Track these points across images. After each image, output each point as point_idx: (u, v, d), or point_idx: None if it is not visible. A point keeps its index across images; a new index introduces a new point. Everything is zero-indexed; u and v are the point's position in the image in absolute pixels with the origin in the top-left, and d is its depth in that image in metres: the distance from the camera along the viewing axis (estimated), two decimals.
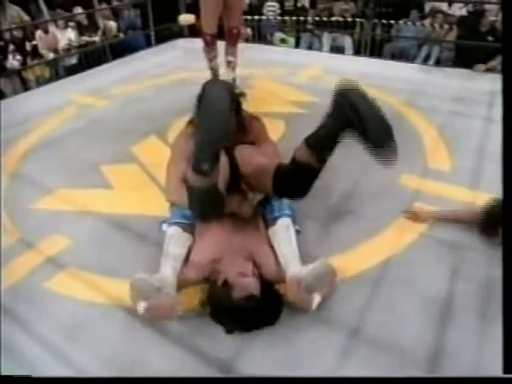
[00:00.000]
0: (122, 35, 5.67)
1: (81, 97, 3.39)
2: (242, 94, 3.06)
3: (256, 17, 6.05)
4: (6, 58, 4.75)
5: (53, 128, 2.90)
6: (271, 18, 6.12)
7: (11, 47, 4.77)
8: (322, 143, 1.35)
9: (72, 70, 4.67)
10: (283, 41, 6.03)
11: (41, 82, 4.78)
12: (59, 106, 3.22)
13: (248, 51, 3.64)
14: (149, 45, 5.15)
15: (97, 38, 5.34)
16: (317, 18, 5.85)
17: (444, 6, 5.50)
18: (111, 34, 5.51)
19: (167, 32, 5.22)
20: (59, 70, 5.04)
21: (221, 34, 3.03)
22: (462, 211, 1.91)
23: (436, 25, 5.24)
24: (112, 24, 5.62)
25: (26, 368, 1.33)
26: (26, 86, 4.75)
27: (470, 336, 1.41)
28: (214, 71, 3.15)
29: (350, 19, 5.65)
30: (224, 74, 3.15)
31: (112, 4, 6.15)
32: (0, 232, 1.89)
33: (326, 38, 5.70)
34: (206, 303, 1.44)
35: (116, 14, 5.85)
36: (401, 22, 5.52)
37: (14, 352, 1.39)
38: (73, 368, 1.35)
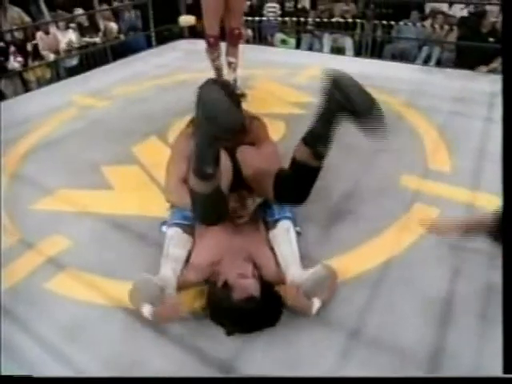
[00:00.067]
0: (122, 36, 5.69)
1: (81, 98, 3.40)
2: (243, 95, 3.07)
3: (257, 18, 6.06)
4: (7, 59, 4.77)
5: (53, 129, 2.90)
6: (272, 19, 6.13)
7: (12, 48, 4.79)
8: (317, 136, 1.34)
9: (73, 71, 4.70)
10: (284, 42, 6.04)
11: (42, 83, 4.80)
12: (60, 106, 3.23)
13: (249, 52, 3.63)
14: (149, 46, 5.15)
15: (97, 39, 5.37)
16: (317, 19, 5.87)
17: (444, 7, 5.51)
18: (112, 35, 5.53)
19: (168, 33, 5.24)
20: (60, 71, 5.06)
21: (222, 35, 3.04)
22: (476, 218, 1.78)
23: (436, 26, 5.25)
24: (113, 25, 5.65)
25: (25, 368, 1.33)
26: (26, 87, 4.76)
27: (470, 336, 1.41)
28: (219, 70, 3.14)
29: (350, 20, 5.67)
30: (228, 73, 3.15)
31: (113, 5, 6.18)
32: (0, 232, 1.89)
33: (327, 39, 5.71)
34: (206, 306, 1.44)
35: (117, 15, 5.88)
36: (401, 23, 5.53)
37: (14, 352, 1.39)
38: (73, 368, 1.34)
